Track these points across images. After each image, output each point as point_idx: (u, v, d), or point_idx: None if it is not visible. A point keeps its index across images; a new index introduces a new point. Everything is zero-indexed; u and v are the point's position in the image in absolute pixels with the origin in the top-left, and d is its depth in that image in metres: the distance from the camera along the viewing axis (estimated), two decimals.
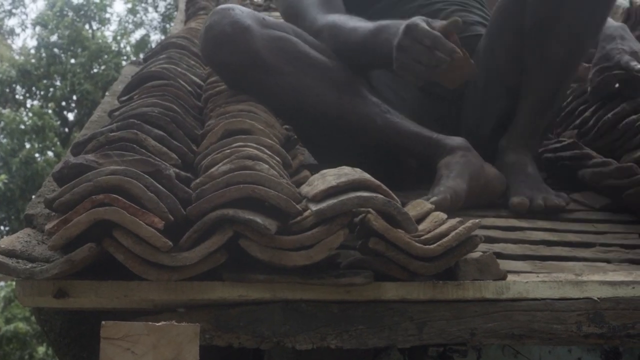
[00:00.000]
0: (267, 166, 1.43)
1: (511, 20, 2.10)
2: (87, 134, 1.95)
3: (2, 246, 1.29)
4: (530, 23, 2.05)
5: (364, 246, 1.32)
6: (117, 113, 1.85)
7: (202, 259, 1.26)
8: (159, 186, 1.34)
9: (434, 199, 1.76)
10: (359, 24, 2.07)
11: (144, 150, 1.51)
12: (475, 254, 1.39)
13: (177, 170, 1.51)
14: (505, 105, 2.14)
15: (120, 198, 1.26)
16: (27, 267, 1.25)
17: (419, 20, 1.83)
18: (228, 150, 1.54)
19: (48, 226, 1.28)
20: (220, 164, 1.46)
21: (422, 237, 1.36)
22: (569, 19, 1.99)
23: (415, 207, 1.57)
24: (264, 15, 1.99)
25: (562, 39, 2.01)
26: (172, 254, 1.25)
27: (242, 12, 1.91)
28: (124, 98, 2.10)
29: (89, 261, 1.25)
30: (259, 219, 1.26)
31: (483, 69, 2.14)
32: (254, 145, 1.58)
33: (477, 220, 1.39)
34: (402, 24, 1.86)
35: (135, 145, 1.51)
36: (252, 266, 1.31)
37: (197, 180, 1.43)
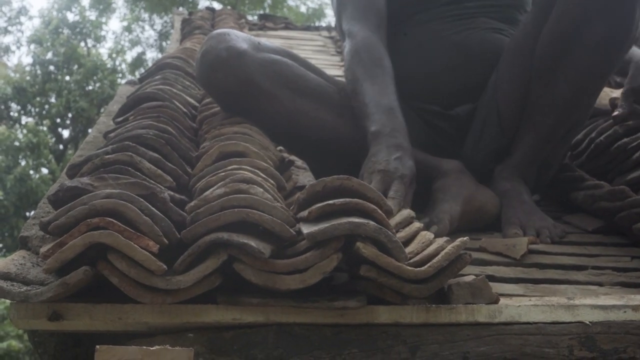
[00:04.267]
0: (261, 190, 1.44)
1: (521, 58, 2.10)
2: (82, 155, 1.97)
3: None
4: (539, 60, 2.05)
5: (356, 272, 1.33)
6: (112, 134, 1.86)
7: (197, 282, 1.26)
8: (154, 209, 1.34)
9: (434, 227, 1.78)
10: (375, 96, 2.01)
11: (139, 173, 1.52)
12: (468, 278, 1.39)
13: (172, 193, 1.52)
14: (501, 143, 2.14)
15: (115, 221, 1.26)
16: (22, 290, 1.25)
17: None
18: (223, 173, 1.55)
19: (43, 249, 1.28)
20: (215, 187, 1.47)
21: (412, 260, 1.37)
22: (579, 60, 1.99)
23: (403, 223, 1.58)
24: (261, 39, 2.00)
25: (570, 79, 2.01)
26: (167, 277, 1.25)
27: (238, 37, 1.92)
28: (119, 119, 2.11)
29: (84, 284, 1.26)
30: (253, 243, 1.26)
31: (486, 104, 2.15)
32: (249, 168, 1.59)
33: (465, 238, 1.39)
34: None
35: (130, 168, 1.51)
36: (246, 289, 1.31)
37: (192, 204, 1.44)
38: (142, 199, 1.34)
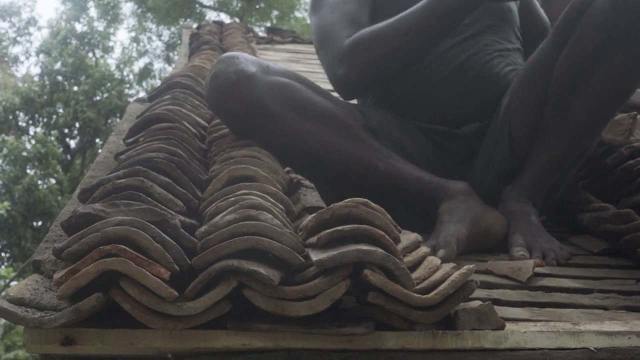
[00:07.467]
0: (270, 216, 1.46)
1: (537, 82, 2.10)
2: (93, 176, 1.99)
3: (12, 294, 1.32)
4: (556, 85, 2.06)
5: (364, 299, 1.35)
6: (123, 157, 1.88)
7: (207, 308, 1.28)
8: (165, 236, 1.36)
9: (441, 252, 1.79)
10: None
11: (150, 199, 1.54)
12: (475, 304, 1.41)
13: (183, 218, 1.54)
14: (510, 166, 2.15)
15: (127, 249, 1.29)
16: (36, 316, 1.27)
17: None
18: (232, 198, 1.57)
19: (56, 276, 1.31)
20: (225, 213, 1.49)
21: (419, 286, 1.38)
22: (597, 86, 1.99)
23: (410, 247, 1.60)
24: (270, 63, 2.02)
25: (586, 104, 2.02)
26: (178, 303, 1.27)
27: (247, 60, 1.94)
28: (129, 140, 2.13)
29: (96, 310, 1.28)
30: (262, 270, 1.28)
31: (498, 127, 2.17)
32: (258, 193, 1.61)
33: (471, 266, 1.41)
34: None
35: (141, 194, 1.54)
36: (255, 315, 1.33)
37: (202, 230, 1.46)
38: (153, 226, 1.36)
